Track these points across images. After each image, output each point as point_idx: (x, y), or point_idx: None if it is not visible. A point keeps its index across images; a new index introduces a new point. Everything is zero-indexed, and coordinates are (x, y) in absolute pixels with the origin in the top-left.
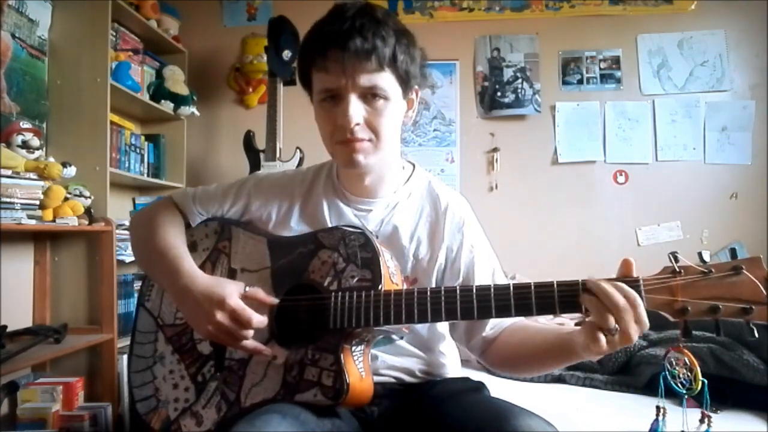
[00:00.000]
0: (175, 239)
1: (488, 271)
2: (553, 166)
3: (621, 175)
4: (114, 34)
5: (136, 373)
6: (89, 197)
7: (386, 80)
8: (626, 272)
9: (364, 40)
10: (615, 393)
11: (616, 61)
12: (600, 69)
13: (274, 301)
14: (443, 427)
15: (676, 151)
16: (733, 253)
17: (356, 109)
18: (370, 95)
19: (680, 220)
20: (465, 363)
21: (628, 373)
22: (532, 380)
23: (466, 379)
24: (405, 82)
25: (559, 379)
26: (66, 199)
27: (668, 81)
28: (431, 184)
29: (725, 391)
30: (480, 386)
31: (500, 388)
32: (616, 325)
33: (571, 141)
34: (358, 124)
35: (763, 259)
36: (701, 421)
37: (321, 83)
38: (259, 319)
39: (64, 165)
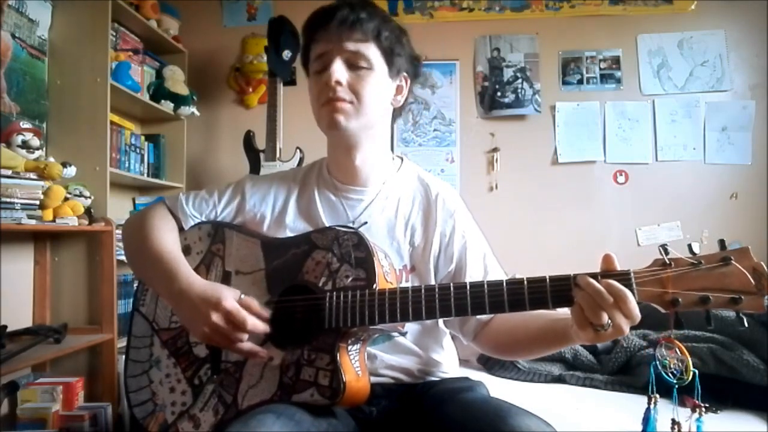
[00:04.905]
0: (169, 243)
1: (480, 256)
2: (553, 166)
3: (621, 175)
4: (114, 34)
5: (132, 378)
6: (89, 197)
7: (370, 51)
8: (608, 268)
9: (350, 11)
10: (615, 393)
11: (616, 61)
12: (600, 69)
13: (266, 314)
14: (442, 427)
15: (676, 151)
16: (722, 244)
17: (339, 69)
18: (355, 62)
19: (680, 220)
20: (464, 363)
21: (628, 373)
22: (532, 380)
23: (465, 379)
24: (390, 58)
25: (559, 379)
26: (66, 199)
27: (668, 81)
28: (420, 175)
29: (725, 391)
30: (479, 386)
31: (500, 388)
32: (609, 321)
33: (571, 141)
34: (338, 82)
35: (763, 257)
36: (693, 410)
37: (313, 53)
38: (254, 322)
39: (64, 165)
